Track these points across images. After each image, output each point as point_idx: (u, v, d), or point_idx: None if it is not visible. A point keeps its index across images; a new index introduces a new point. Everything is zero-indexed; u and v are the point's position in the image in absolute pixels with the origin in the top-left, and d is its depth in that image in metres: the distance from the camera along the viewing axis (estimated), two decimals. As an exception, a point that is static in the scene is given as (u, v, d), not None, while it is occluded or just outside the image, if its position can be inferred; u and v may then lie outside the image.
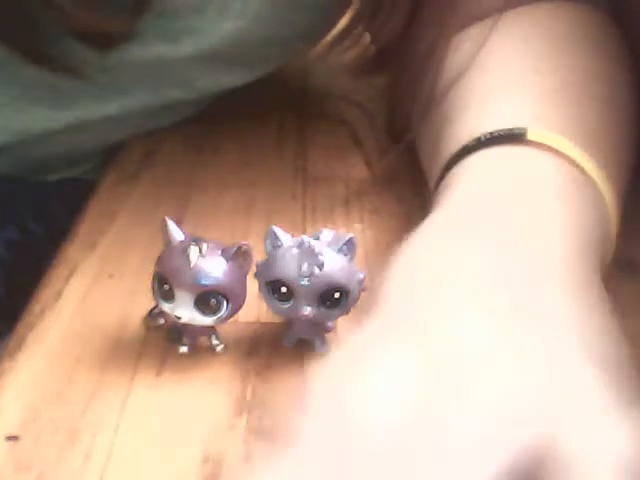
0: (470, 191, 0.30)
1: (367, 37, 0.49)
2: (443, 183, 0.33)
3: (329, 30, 0.52)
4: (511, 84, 0.36)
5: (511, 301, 0.24)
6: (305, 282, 0.30)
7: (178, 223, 0.31)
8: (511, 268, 0.25)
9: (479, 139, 0.32)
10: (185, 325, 0.31)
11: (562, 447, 0.20)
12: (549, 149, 0.31)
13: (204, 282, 0.30)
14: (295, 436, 0.21)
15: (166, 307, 0.31)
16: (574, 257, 0.27)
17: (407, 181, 0.45)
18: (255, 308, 0.34)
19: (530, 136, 0.31)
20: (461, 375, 0.21)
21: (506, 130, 0.32)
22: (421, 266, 0.26)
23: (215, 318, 0.31)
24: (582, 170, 0.31)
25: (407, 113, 0.43)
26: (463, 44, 0.39)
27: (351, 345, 0.23)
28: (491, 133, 0.32)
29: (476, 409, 0.20)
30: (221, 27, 0.46)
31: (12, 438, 0.28)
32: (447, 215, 0.29)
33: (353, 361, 0.22)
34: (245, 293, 0.31)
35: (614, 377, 0.22)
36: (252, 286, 0.31)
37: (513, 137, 0.32)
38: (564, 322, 0.24)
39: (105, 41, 0.44)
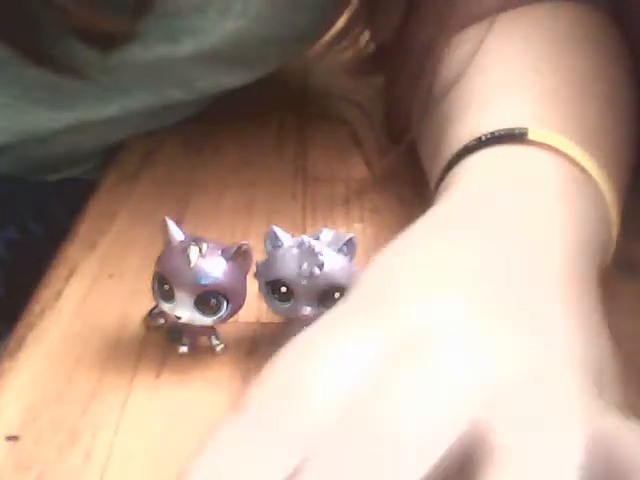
0: (470, 190, 0.30)
1: (365, 37, 0.49)
2: (443, 183, 0.33)
3: (328, 30, 0.52)
4: (511, 84, 0.36)
5: (495, 293, 0.24)
6: (305, 282, 0.30)
7: (178, 223, 0.31)
8: (504, 263, 0.25)
9: (480, 139, 0.32)
10: (185, 325, 0.31)
11: (498, 441, 0.19)
12: (550, 148, 0.31)
13: (204, 282, 0.30)
14: (244, 402, 0.21)
15: (166, 307, 0.31)
16: (572, 256, 0.27)
17: (407, 180, 0.45)
18: (255, 308, 0.34)
19: (531, 136, 0.31)
20: (415, 360, 0.21)
21: (507, 130, 0.32)
22: (404, 255, 0.26)
23: (215, 318, 0.31)
24: (583, 169, 0.31)
25: (405, 112, 0.43)
26: (462, 44, 0.39)
27: (319, 322, 0.24)
28: (492, 133, 0.32)
29: (425, 390, 0.20)
30: (222, 27, 0.46)
31: (12, 438, 0.28)
32: (444, 211, 0.29)
33: (316, 336, 0.23)
34: (245, 293, 0.31)
35: (590, 379, 0.22)
36: (252, 286, 0.31)
37: (514, 137, 0.32)
38: (549, 320, 0.24)
39: (107, 41, 0.44)
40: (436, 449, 0.19)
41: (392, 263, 0.26)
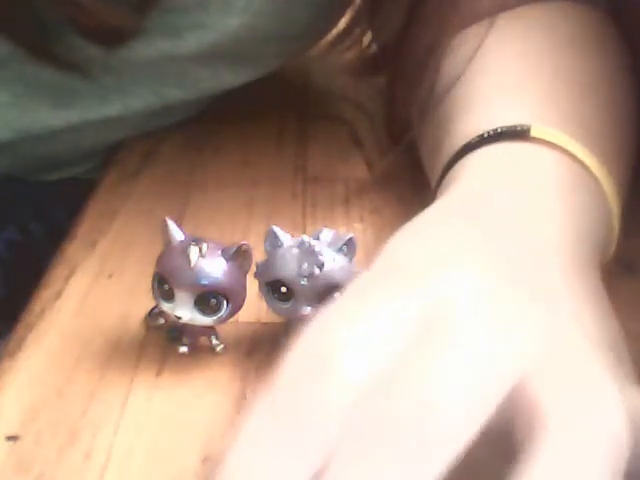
0: (472, 186, 0.30)
1: (367, 38, 0.49)
2: (445, 180, 0.33)
3: (331, 27, 0.52)
4: (512, 83, 0.37)
5: (511, 272, 0.24)
6: (305, 282, 0.30)
7: (178, 223, 0.31)
8: (511, 252, 0.25)
9: (482, 136, 0.32)
10: (185, 325, 0.31)
11: (542, 409, 0.19)
12: (552, 146, 0.31)
13: (204, 282, 0.30)
14: (275, 377, 0.21)
15: (166, 307, 0.31)
16: (573, 252, 0.27)
17: (407, 181, 0.45)
18: (255, 308, 0.34)
19: (534, 133, 0.31)
20: (450, 329, 0.21)
21: (510, 127, 0.32)
22: (418, 239, 0.26)
23: (215, 318, 0.31)
24: (584, 166, 0.31)
25: (406, 113, 0.43)
26: (463, 43, 0.39)
27: (344, 295, 0.23)
28: (494, 130, 0.32)
29: (465, 356, 0.20)
30: (224, 23, 0.46)
31: (12, 438, 0.28)
32: (446, 206, 0.29)
33: (342, 309, 0.22)
34: (245, 293, 0.31)
35: (609, 357, 0.22)
36: (252, 286, 0.31)
37: (516, 134, 0.32)
38: (563, 301, 0.24)
39: (109, 38, 0.44)
40: (472, 426, 0.19)
41: (408, 242, 0.26)
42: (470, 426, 0.19)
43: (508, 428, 0.20)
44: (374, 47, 0.49)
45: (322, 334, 0.22)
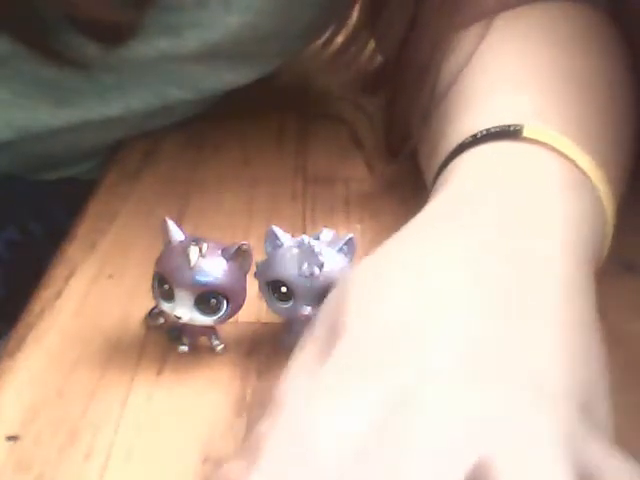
0: (462, 187, 0.30)
1: (365, 56, 0.49)
2: (439, 180, 0.33)
3: (331, 26, 0.52)
4: (510, 82, 0.37)
5: (482, 326, 0.24)
6: (305, 282, 0.30)
7: (178, 223, 0.31)
8: (494, 271, 0.25)
9: (475, 136, 0.33)
10: (185, 325, 0.31)
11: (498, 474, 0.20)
12: (545, 146, 0.31)
13: (204, 282, 0.30)
14: (259, 449, 0.22)
15: (166, 307, 0.31)
16: (566, 255, 0.27)
17: (407, 181, 0.45)
18: (255, 308, 0.34)
19: (526, 133, 0.31)
20: (421, 397, 0.22)
21: (502, 127, 0.32)
22: (390, 274, 0.26)
23: (215, 318, 0.31)
24: (578, 167, 0.31)
25: (406, 125, 0.43)
26: (463, 44, 0.39)
27: (313, 383, 0.24)
28: (487, 129, 0.32)
29: (427, 435, 0.21)
30: (225, 22, 0.46)
31: (12, 438, 0.28)
32: (435, 211, 0.29)
33: (313, 386, 0.23)
34: (245, 293, 0.31)
35: (575, 407, 0.22)
36: (252, 286, 0.31)
37: (509, 134, 0.32)
38: (538, 347, 0.24)
39: (110, 36, 0.44)
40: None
41: (377, 298, 0.26)
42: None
43: None
44: (373, 65, 0.49)
45: (303, 419, 0.22)
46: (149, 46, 0.46)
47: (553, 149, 0.31)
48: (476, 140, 0.32)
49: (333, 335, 0.25)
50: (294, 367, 0.25)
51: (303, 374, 0.24)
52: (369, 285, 0.26)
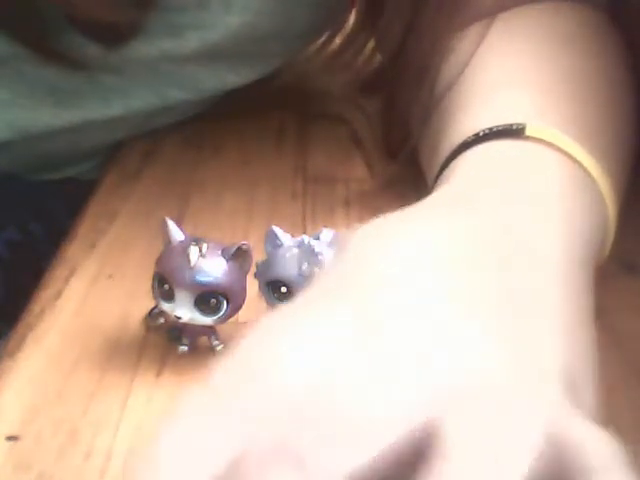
0: (463, 184, 0.30)
1: (363, 58, 0.49)
2: (440, 178, 0.33)
3: (331, 26, 0.52)
4: (510, 82, 0.37)
5: (479, 285, 0.24)
6: (305, 282, 0.30)
7: (178, 223, 0.31)
8: (494, 256, 0.25)
9: (478, 134, 0.33)
10: (185, 325, 0.31)
11: (446, 438, 0.19)
12: (547, 144, 0.31)
13: (204, 282, 0.30)
14: (211, 375, 0.21)
15: (166, 307, 0.31)
16: (566, 252, 0.27)
17: (408, 181, 0.45)
18: (255, 308, 0.34)
19: (529, 131, 0.31)
20: (386, 340, 0.21)
21: (505, 125, 0.32)
22: (382, 239, 0.26)
23: (215, 318, 0.31)
24: (580, 165, 0.31)
25: (405, 125, 0.43)
26: (463, 44, 0.39)
27: (290, 304, 0.23)
28: (490, 128, 0.32)
29: (387, 376, 0.20)
30: (225, 22, 0.46)
31: (12, 438, 0.28)
32: (435, 201, 0.29)
33: (282, 318, 0.23)
34: (245, 293, 0.31)
35: (561, 391, 0.22)
36: (252, 286, 0.31)
37: (512, 132, 0.32)
38: (533, 321, 0.23)
39: (110, 36, 0.44)
40: (388, 436, 0.19)
41: (375, 242, 0.25)
42: (373, 446, 0.19)
43: (415, 454, 0.20)
44: (372, 65, 0.49)
45: (260, 343, 0.22)
46: (150, 46, 0.46)
47: (555, 147, 0.31)
48: (478, 139, 0.32)
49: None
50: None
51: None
52: (368, 241, 0.26)
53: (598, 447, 0.20)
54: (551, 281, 0.25)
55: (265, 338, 0.22)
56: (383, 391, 0.20)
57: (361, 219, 0.42)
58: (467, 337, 0.22)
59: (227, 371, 0.21)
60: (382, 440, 0.19)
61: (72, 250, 0.40)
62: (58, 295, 0.36)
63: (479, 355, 0.21)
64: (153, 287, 0.31)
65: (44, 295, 0.36)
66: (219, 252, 0.30)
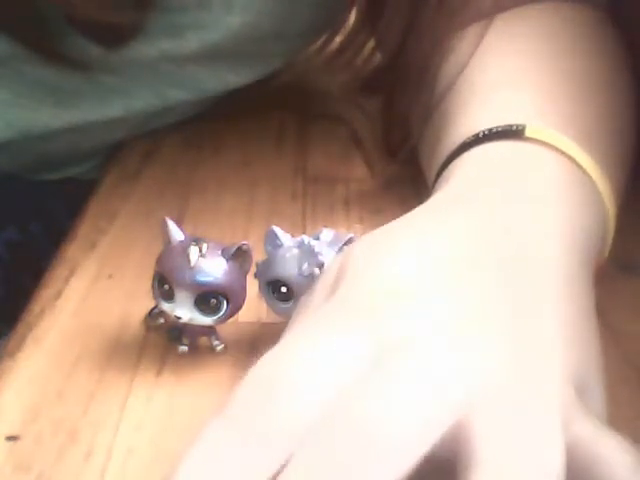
0: (464, 185, 0.30)
1: (363, 57, 0.49)
2: (440, 179, 0.33)
3: (332, 26, 0.52)
4: (510, 82, 0.37)
5: (483, 294, 0.24)
6: (305, 282, 0.30)
7: (178, 223, 0.31)
8: (495, 261, 0.25)
9: (478, 135, 0.33)
10: (185, 325, 0.31)
11: (479, 444, 0.20)
12: (547, 145, 0.31)
13: (204, 282, 0.30)
14: (227, 404, 0.21)
15: (166, 307, 0.31)
16: (567, 253, 0.27)
17: (408, 181, 0.45)
18: (255, 308, 0.34)
19: (528, 132, 0.32)
20: (403, 357, 0.21)
21: (505, 126, 0.32)
22: (388, 248, 0.26)
23: (215, 318, 0.31)
24: (579, 166, 0.31)
25: (405, 125, 0.43)
26: (462, 44, 0.39)
27: (304, 322, 0.23)
28: (490, 129, 0.32)
29: (409, 389, 0.20)
30: (226, 22, 0.46)
31: (12, 438, 0.28)
32: (436, 203, 0.29)
33: (300, 336, 0.23)
34: (245, 293, 0.31)
35: (571, 388, 0.22)
36: (252, 286, 0.31)
37: (511, 133, 0.32)
38: (538, 324, 0.24)
39: (110, 37, 0.44)
40: (420, 447, 0.19)
41: (380, 256, 0.26)
42: (416, 448, 0.19)
43: (452, 459, 0.20)
44: (372, 65, 0.49)
45: (276, 362, 0.22)
46: (150, 47, 0.46)
47: (555, 149, 0.31)
48: (478, 139, 0.32)
49: (330, 293, 0.24)
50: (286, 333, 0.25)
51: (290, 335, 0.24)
52: (370, 249, 0.26)
53: (618, 456, 0.20)
54: (552, 282, 0.25)
55: (280, 360, 0.22)
56: (404, 404, 0.20)
57: (361, 219, 0.43)
58: (478, 343, 0.22)
59: (244, 399, 0.21)
60: (413, 452, 0.19)
61: (72, 250, 0.40)
62: (58, 295, 0.36)
63: (490, 359, 0.22)
64: (153, 287, 0.31)
65: (44, 295, 0.36)
66: (219, 252, 0.30)
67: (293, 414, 0.20)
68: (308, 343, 0.22)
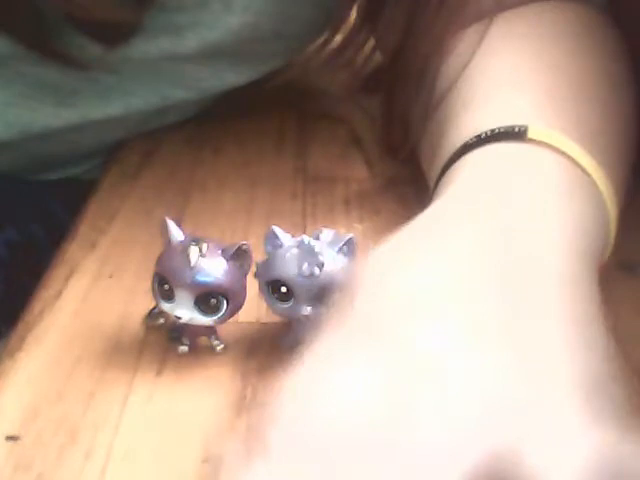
0: (468, 188, 0.30)
1: (362, 57, 0.49)
2: (442, 180, 0.33)
3: (332, 25, 0.52)
4: (511, 83, 0.37)
5: (491, 309, 0.24)
6: (305, 282, 0.30)
7: (178, 223, 0.31)
8: (500, 269, 0.25)
9: (479, 136, 0.33)
10: (185, 325, 0.31)
11: (526, 460, 0.20)
12: (549, 147, 0.31)
13: (204, 282, 0.30)
14: (263, 441, 0.21)
15: (166, 307, 0.31)
16: (571, 256, 0.27)
17: (407, 180, 0.45)
18: (255, 308, 0.34)
19: (531, 133, 0.31)
20: (430, 376, 0.21)
21: (507, 127, 0.32)
22: (399, 264, 0.26)
23: (215, 318, 0.31)
24: (581, 167, 0.31)
25: (405, 125, 0.43)
26: (463, 44, 0.39)
27: (320, 347, 0.23)
28: (492, 130, 0.32)
29: (443, 413, 0.20)
30: (226, 21, 0.46)
31: (12, 438, 0.28)
32: (441, 210, 0.29)
33: (320, 363, 0.23)
34: (245, 293, 0.31)
35: (588, 396, 0.22)
36: (252, 286, 0.31)
37: (514, 134, 0.32)
38: (547, 337, 0.24)
39: (110, 35, 0.44)
40: (462, 462, 0.20)
41: (388, 275, 0.25)
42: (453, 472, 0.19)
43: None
44: (373, 64, 0.49)
45: (302, 399, 0.21)
46: (150, 46, 0.46)
47: (556, 150, 0.31)
48: (480, 141, 0.32)
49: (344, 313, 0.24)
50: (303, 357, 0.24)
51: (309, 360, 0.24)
52: (383, 265, 0.26)
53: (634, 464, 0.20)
54: (556, 288, 0.25)
55: (305, 393, 0.22)
56: (449, 416, 0.20)
57: (361, 219, 0.43)
58: (493, 367, 0.22)
59: (280, 439, 0.21)
60: (463, 465, 0.19)
61: (72, 250, 0.40)
62: (58, 295, 0.36)
63: (509, 382, 0.22)
64: (153, 287, 0.31)
65: (44, 295, 0.36)
66: (219, 252, 0.30)
67: (337, 444, 0.20)
68: (332, 371, 0.22)
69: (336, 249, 0.31)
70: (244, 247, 0.30)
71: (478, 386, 0.21)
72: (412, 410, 0.20)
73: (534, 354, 0.23)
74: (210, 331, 0.32)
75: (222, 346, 0.32)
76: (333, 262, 0.30)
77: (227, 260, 0.30)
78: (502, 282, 0.25)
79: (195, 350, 0.32)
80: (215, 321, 0.31)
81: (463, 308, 0.24)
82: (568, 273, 0.26)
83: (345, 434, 0.20)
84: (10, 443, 0.28)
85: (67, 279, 0.37)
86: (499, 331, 0.23)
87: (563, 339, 0.23)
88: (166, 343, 0.33)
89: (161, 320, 0.34)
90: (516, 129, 0.32)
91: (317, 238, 0.31)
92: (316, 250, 0.30)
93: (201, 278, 0.30)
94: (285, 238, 0.31)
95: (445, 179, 0.33)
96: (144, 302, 0.34)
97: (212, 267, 0.30)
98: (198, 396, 0.31)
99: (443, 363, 0.22)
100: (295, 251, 0.30)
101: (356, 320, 0.24)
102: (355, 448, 0.20)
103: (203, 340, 0.32)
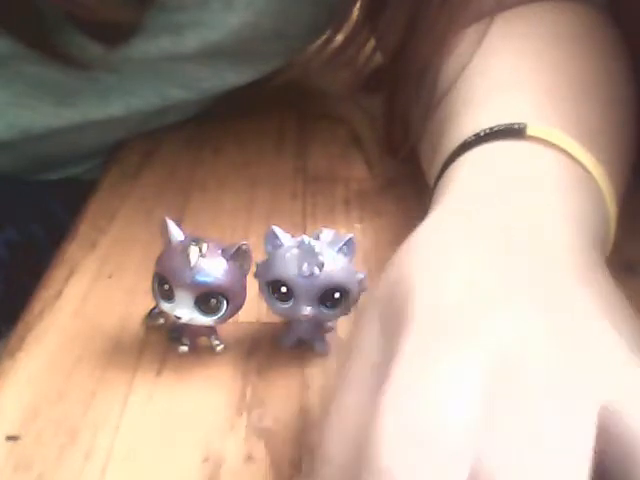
0: (470, 187, 0.30)
1: (363, 56, 0.49)
2: (442, 179, 0.33)
3: (333, 25, 0.52)
4: (511, 82, 0.37)
5: (538, 294, 0.24)
6: (305, 282, 0.30)
7: (178, 223, 0.31)
8: (529, 274, 0.25)
9: (479, 134, 0.33)
10: (185, 325, 0.31)
11: (626, 419, 0.20)
12: (548, 144, 0.31)
13: (204, 282, 0.30)
14: (374, 451, 0.20)
15: (166, 307, 0.31)
16: (574, 245, 0.27)
17: (407, 181, 0.45)
18: (255, 308, 0.34)
19: (530, 131, 0.31)
20: (527, 361, 0.21)
21: (506, 125, 0.32)
22: (439, 264, 0.26)
23: (215, 318, 0.31)
24: (581, 165, 0.31)
25: (405, 124, 0.43)
26: (463, 43, 0.39)
27: (406, 359, 0.22)
28: (491, 128, 0.32)
29: (549, 397, 0.21)
30: (226, 21, 0.46)
31: (12, 438, 0.28)
32: (447, 212, 0.29)
33: (418, 365, 0.22)
34: (245, 293, 0.31)
35: None
36: (252, 286, 0.31)
37: (513, 132, 0.32)
38: (591, 311, 0.24)
39: (111, 35, 0.44)
40: (586, 442, 0.20)
41: (438, 279, 0.25)
42: (583, 463, 0.19)
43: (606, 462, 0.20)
44: (373, 64, 0.49)
45: (406, 413, 0.21)
46: (150, 45, 0.46)
47: (556, 147, 0.31)
48: (479, 139, 0.32)
49: (394, 322, 0.24)
50: (352, 363, 0.24)
51: (367, 368, 0.23)
52: (426, 265, 0.25)
53: None
54: (575, 274, 0.25)
55: (407, 407, 0.21)
56: (552, 413, 0.20)
57: (361, 219, 0.43)
58: (576, 357, 0.22)
59: (391, 452, 0.20)
60: (585, 447, 0.20)
61: (72, 250, 0.40)
62: (58, 295, 0.36)
63: (589, 350, 0.22)
64: (153, 287, 0.31)
65: (44, 295, 0.36)
66: (219, 252, 0.30)
67: (461, 444, 0.20)
68: (429, 377, 0.21)
69: (336, 249, 0.31)
70: (244, 247, 0.30)
71: (571, 362, 0.21)
72: (519, 404, 0.20)
73: (584, 324, 0.23)
74: (210, 331, 0.32)
75: (222, 346, 0.32)
76: (333, 262, 0.30)
77: (227, 260, 0.30)
78: (528, 280, 0.25)
79: (195, 350, 0.32)
80: (215, 321, 0.31)
81: (525, 294, 0.24)
82: (580, 262, 0.26)
83: (453, 442, 0.20)
84: (10, 443, 0.28)
85: (67, 279, 0.37)
86: (555, 324, 0.23)
87: (603, 320, 0.24)
88: (166, 343, 0.33)
89: (161, 320, 0.34)
90: (515, 126, 0.32)
91: (317, 238, 0.31)
92: (316, 250, 0.30)
93: (201, 278, 0.30)
94: (285, 238, 0.31)
95: (444, 178, 0.33)
96: (144, 302, 0.34)
97: (212, 267, 0.30)
98: (198, 396, 0.31)
99: (530, 346, 0.22)
100: (295, 251, 0.30)
101: (429, 317, 0.23)
102: (480, 444, 0.20)
103: (203, 340, 0.32)
